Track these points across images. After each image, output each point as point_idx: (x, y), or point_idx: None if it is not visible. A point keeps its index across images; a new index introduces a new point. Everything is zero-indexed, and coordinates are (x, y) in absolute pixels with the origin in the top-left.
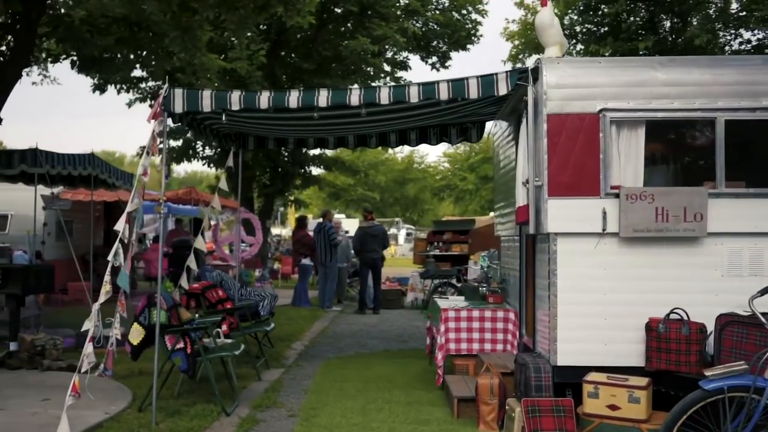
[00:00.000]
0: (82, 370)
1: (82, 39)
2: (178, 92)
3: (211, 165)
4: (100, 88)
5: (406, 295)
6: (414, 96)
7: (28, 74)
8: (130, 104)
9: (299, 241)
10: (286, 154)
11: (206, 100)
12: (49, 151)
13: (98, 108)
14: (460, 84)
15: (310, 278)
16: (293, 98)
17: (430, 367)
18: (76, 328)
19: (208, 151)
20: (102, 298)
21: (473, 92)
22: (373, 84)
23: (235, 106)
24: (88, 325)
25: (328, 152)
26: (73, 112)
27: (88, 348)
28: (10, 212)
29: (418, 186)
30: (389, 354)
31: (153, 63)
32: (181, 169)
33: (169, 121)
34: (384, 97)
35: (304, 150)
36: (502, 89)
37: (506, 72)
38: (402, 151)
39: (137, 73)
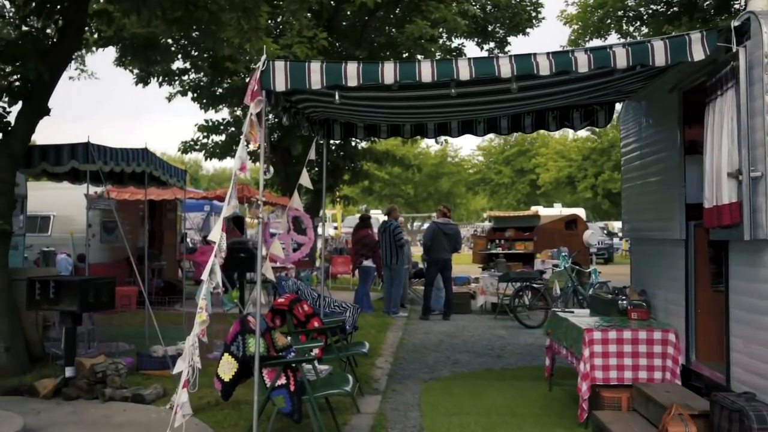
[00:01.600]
0: (175, 425)
1: (137, 9)
2: (280, 66)
3: (257, 161)
4: (142, 80)
5: (476, 298)
6: (583, 64)
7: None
8: (170, 98)
9: (360, 242)
10: (335, 145)
11: (315, 75)
12: (101, 145)
13: (134, 106)
14: (642, 49)
15: (372, 281)
16: (426, 70)
17: (551, 394)
18: (131, 340)
19: (251, 147)
20: (197, 329)
21: (659, 59)
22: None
23: (352, 81)
24: (181, 367)
25: (378, 144)
26: (103, 112)
27: (183, 396)
28: (53, 213)
29: (452, 180)
30: (494, 375)
31: (202, 45)
32: (211, 166)
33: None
34: (544, 66)
35: (353, 142)
36: (697, 54)
37: (701, 32)
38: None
39: (175, 65)
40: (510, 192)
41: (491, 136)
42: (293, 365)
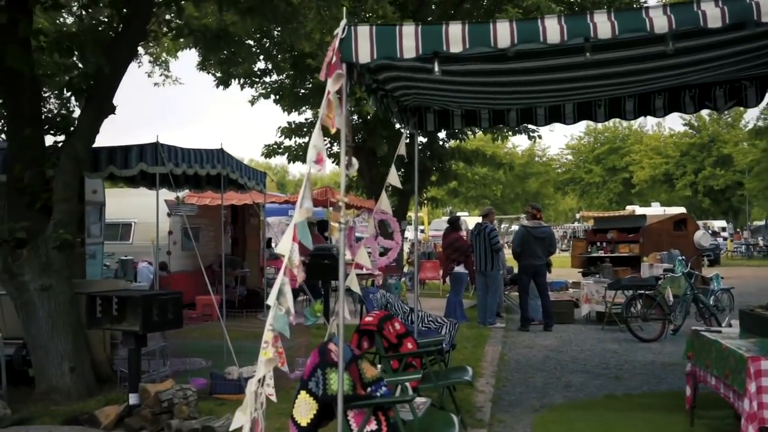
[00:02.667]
0: None
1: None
2: (364, 32)
3: (337, 163)
4: (223, 82)
5: (579, 306)
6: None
7: (149, 75)
8: (253, 101)
9: (451, 246)
10: (422, 144)
11: (408, 41)
12: (171, 145)
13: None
14: None
15: (465, 289)
16: (552, 29)
17: (693, 430)
18: (209, 355)
19: (335, 148)
20: (261, 371)
21: None
22: None
23: (455, 47)
24: (241, 420)
25: (466, 143)
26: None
27: None
28: (134, 220)
29: (539, 180)
30: (617, 403)
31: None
32: (297, 170)
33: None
34: (713, 17)
35: (441, 141)
36: None
37: None
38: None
39: (257, 66)
40: (601, 191)
41: (580, 132)
42: (386, 407)
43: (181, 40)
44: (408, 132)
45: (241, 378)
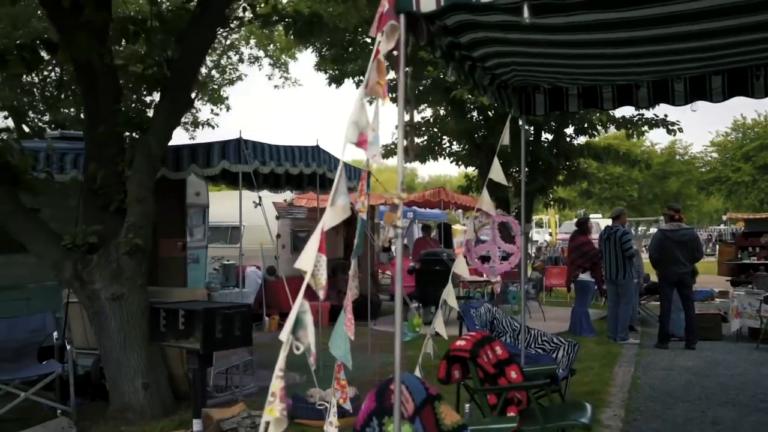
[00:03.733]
0: None
1: None
2: None
3: (459, 163)
4: (336, 80)
5: (728, 321)
6: None
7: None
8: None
9: (577, 250)
10: (547, 141)
11: None
12: (258, 142)
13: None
14: None
15: (592, 299)
16: None
17: None
18: (305, 369)
19: (456, 147)
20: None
21: None
22: None
23: None
24: None
25: (597, 141)
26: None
27: None
28: (243, 223)
29: (681, 180)
30: None
31: None
32: (425, 172)
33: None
34: None
35: (569, 138)
36: None
37: None
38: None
39: None
40: (751, 191)
41: (726, 128)
42: None
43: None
44: (511, 116)
45: (323, 401)
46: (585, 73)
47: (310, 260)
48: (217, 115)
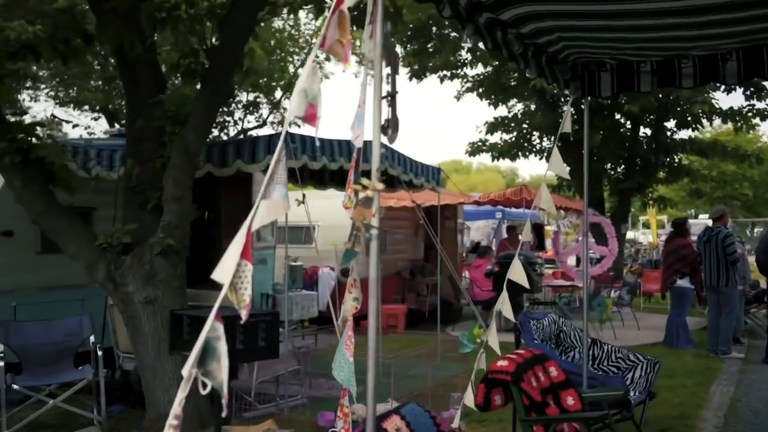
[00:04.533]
0: None
1: None
2: None
3: (548, 159)
4: (417, 75)
5: None
6: None
7: (356, 75)
8: (458, 96)
9: (675, 253)
10: (645, 136)
11: None
12: (306, 135)
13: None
14: None
15: (690, 307)
16: None
17: None
18: (360, 375)
19: (546, 143)
20: None
21: None
22: None
23: None
24: None
25: (703, 136)
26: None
27: None
28: (317, 223)
29: None
30: None
31: None
32: (526, 171)
33: None
34: None
35: (669, 132)
36: None
37: None
38: None
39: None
40: None
41: None
42: None
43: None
44: (572, 96)
45: (360, 421)
46: (652, 42)
47: (229, 269)
48: None
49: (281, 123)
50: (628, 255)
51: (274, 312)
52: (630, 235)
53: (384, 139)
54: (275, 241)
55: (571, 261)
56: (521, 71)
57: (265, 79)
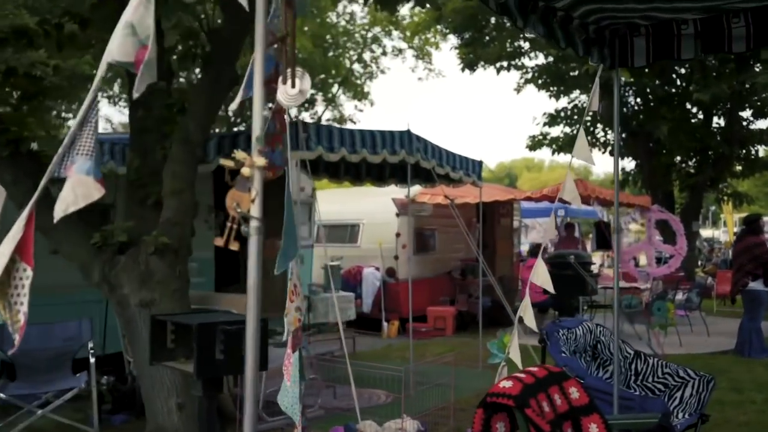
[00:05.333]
0: None
1: None
2: None
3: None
4: (469, 66)
5: None
6: None
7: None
8: (518, 89)
9: (746, 253)
10: (718, 127)
11: None
12: (325, 125)
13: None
14: None
15: (764, 312)
16: None
17: None
18: (391, 386)
19: (610, 135)
20: None
21: None
22: None
23: None
24: None
25: None
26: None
27: None
28: (362, 221)
29: None
30: None
31: None
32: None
33: None
34: None
35: (745, 122)
36: None
37: None
38: None
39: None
40: None
41: None
42: None
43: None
44: (599, 70)
45: None
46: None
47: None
48: (360, 111)
49: (339, 120)
50: (701, 254)
51: (264, 318)
52: (708, 233)
53: (283, 96)
54: (313, 240)
55: (643, 260)
56: (581, 60)
57: (323, 76)
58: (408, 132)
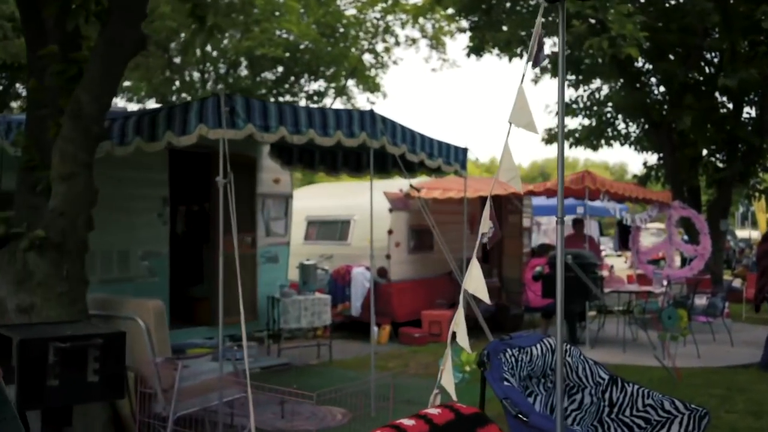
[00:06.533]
0: None
1: None
2: None
3: (638, 148)
4: (475, 51)
5: None
6: None
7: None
8: (536, 80)
9: None
10: (749, 117)
11: None
12: (259, 100)
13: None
14: None
15: None
16: None
17: None
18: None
19: (632, 128)
20: None
21: None
22: None
23: None
24: None
25: None
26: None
27: None
28: (353, 217)
29: None
30: None
31: None
32: (636, 167)
33: None
34: None
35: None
36: None
37: None
38: None
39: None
40: None
41: None
42: None
43: None
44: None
45: None
46: None
47: None
48: (373, 103)
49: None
50: (734, 255)
51: (119, 332)
52: (744, 234)
53: None
54: (289, 237)
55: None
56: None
57: (333, 69)
58: (371, 112)
